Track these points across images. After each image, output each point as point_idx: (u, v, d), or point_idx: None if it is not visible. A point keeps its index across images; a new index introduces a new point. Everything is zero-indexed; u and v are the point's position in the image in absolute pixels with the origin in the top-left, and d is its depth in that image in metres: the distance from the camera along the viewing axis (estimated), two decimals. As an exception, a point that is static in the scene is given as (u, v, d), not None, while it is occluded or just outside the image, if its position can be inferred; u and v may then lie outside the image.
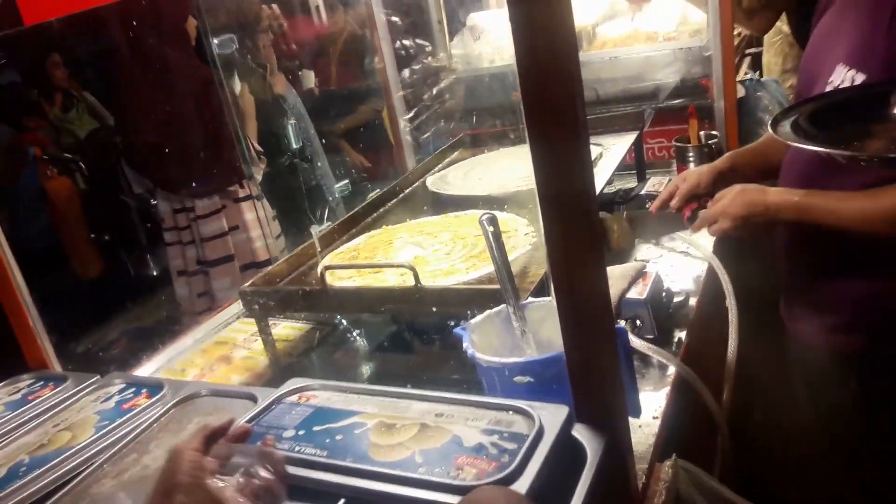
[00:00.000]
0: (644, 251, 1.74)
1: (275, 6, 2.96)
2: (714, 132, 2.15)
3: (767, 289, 1.54)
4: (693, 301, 1.46)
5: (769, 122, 1.14)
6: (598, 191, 1.77)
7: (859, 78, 1.23)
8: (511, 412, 0.91)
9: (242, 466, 0.77)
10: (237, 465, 0.78)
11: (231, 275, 2.82)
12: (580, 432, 0.88)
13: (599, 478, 0.82)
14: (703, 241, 1.66)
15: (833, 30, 1.36)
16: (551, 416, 0.88)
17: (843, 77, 1.26)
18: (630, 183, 2.20)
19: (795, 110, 1.16)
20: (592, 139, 2.23)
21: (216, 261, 2.78)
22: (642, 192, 2.01)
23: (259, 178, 2.86)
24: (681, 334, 1.38)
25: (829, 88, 1.29)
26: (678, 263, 1.65)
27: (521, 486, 0.77)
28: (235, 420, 0.89)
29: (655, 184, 2.01)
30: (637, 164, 2.22)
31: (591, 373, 0.87)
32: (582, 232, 0.82)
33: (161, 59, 2.67)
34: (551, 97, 0.76)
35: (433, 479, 0.79)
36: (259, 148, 2.89)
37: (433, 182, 2.01)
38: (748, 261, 1.58)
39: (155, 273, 3.08)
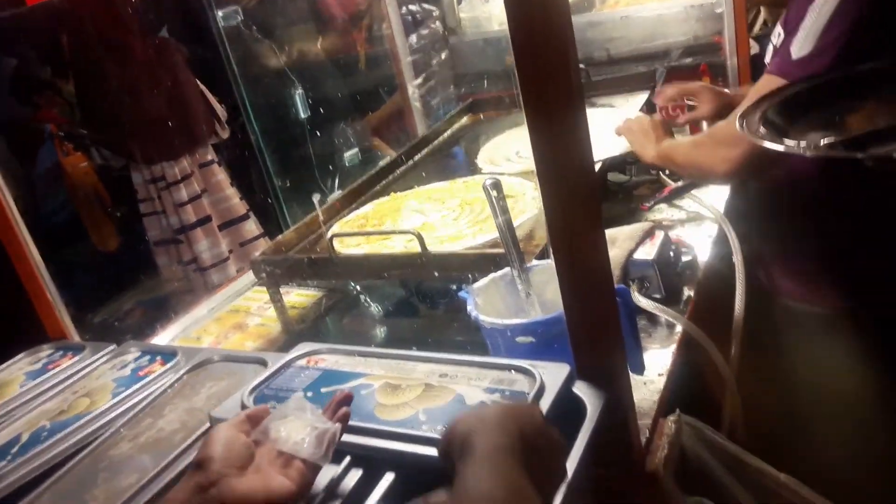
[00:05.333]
0: (654, 212, 1.73)
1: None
2: (727, 90, 2.12)
3: (762, 257, 1.54)
4: (702, 261, 1.46)
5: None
6: (614, 154, 1.76)
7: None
8: (513, 371, 0.92)
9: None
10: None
11: (211, 235, 2.86)
12: (581, 389, 0.89)
13: (599, 432, 0.83)
14: (714, 200, 1.65)
15: None
16: (552, 374, 0.89)
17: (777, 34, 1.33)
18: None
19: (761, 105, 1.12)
20: (604, 100, 2.21)
21: (194, 224, 2.82)
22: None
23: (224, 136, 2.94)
24: (689, 293, 1.38)
25: (769, 47, 1.37)
26: (688, 224, 1.64)
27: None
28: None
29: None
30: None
31: (590, 332, 0.88)
32: (579, 196, 0.82)
33: (109, 33, 2.70)
34: (545, 63, 0.76)
35: (436, 437, 0.81)
36: (224, 114, 2.94)
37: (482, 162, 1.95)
38: (757, 220, 1.57)
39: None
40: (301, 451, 0.76)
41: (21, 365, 1.39)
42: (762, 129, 0.94)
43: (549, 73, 0.76)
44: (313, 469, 0.77)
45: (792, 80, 1.18)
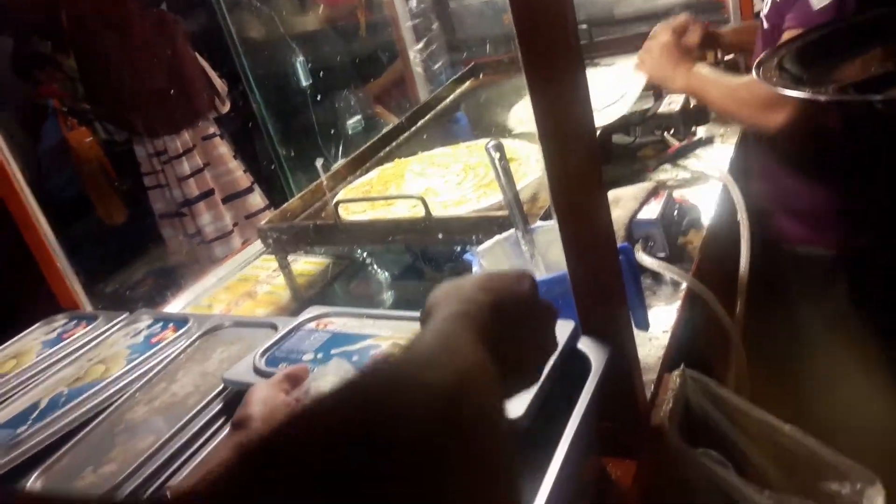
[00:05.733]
0: (659, 172, 1.73)
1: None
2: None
3: (768, 204, 1.55)
4: (706, 219, 1.47)
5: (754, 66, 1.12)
6: (621, 113, 1.76)
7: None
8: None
9: None
10: None
11: (213, 209, 2.88)
12: (586, 345, 0.90)
13: (603, 385, 0.85)
14: (719, 160, 1.65)
15: None
16: (557, 330, 0.90)
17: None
18: (647, 104, 2.17)
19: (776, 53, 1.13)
20: (608, 60, 2.20)
21: (197, 197, 2.83)
22: (658, 110, 1.98)
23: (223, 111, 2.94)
24: (693, 252, 1.39)
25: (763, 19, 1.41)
26: (692, 183, 1.64)
27: (527, 395, 0.80)
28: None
29: (671, 102, 1.98)
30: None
31: (593, 289, 0.90)
32: (580, 156, 0.83)
33: (107, 6, 2.70)
34: (542, 22, 0.76)
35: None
36: (224, 88, 2.93)
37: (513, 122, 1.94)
38: (758, 183, 1.58)
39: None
40: None
41: (37, 335, 1.41)
42: (777, 76, 0.94)
43: (547, 32, 0.76)
44: None
45: None
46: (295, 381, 0.79)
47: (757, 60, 1.07)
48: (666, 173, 1.72)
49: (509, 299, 0.62)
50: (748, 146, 1.64)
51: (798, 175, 1.50)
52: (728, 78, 1.56)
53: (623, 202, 1.39)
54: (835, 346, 1.42)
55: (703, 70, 1.59)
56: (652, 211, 1.37)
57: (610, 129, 1.86)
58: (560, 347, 0.87)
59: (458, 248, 1.32)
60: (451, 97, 2.24)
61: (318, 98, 2.50)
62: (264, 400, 0.75)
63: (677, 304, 1.24)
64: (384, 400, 0.39)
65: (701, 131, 1.83)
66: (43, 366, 1.26)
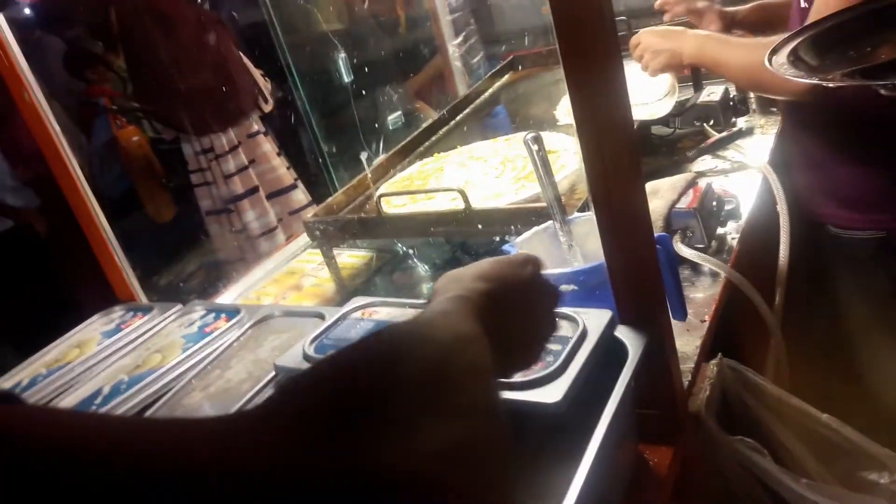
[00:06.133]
0: (698, 163, 1.73)
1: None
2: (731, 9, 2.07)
3: (812, 189, 1.54)
4: (745, 210, 1.47)
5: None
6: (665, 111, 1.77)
7: None
8: (557, 318, 0.96)
9: None
10: None
11: (258, 205, 2.95)
12: (623, 333, 0.93)
13: (640, 373, 0.87)
14: (758, 150, 1.65)
15: None
16: (595, 319, 0.93)
17: None
18: (686, 94, 2.16)
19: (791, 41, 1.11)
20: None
21: (242, 194, 2.91)
22: (698, 101, 1.98)
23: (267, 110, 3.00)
24: (732, 242, 1.39)
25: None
26: (731, 174, 1.64)
27: (565, 381, 0.83)
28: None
29: (711, 93, 1.97)
30: (693, 73, 2.17)
31: (631, 279, 0.92)
32: (618, 147, 0.85)
33: (156, 6, 2.78)
34: (580, 13, 0.78)
35: (484, 379, 0.86)
36: (268, 87, 2.99)
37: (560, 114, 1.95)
38: (801, 170, 1.57)
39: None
40: None
41: (96, 325, 1.49)
42: (786, 63, 0.95)
43: (584, 24, 0.78)
44: None
45: None
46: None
47: (771, 48, 1.06)
48: (705, 164, 1.72)
49: (507, 286, 0.65)
50: (788, 136, 1.63)
51: (843, 157, 1.47)
52: (744, 41, 1.53)
53: (662, 193, 1.40)
54: (880, 332, 1.41)
55: (716, 39, 1.58)
56: (690, 201, 1.38)
57: (649, 121, 1.86)
58: (598, 336, 0.90)
59: (497, 240, 1.34)
60: (490, 91, 2.26)
61: (360, 94, 2.55)
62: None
63: (715, 294, 1.25)
64: (396, 347, 0.47)
65: (741, 122, 1.82)
66: (104, 355, 1.32)
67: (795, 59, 0.94)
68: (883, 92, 0.75)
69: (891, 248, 1.40)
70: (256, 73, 3.03)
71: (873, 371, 1.40)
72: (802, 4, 1.43)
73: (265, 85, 3.04)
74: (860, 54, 0.88)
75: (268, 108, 3.05)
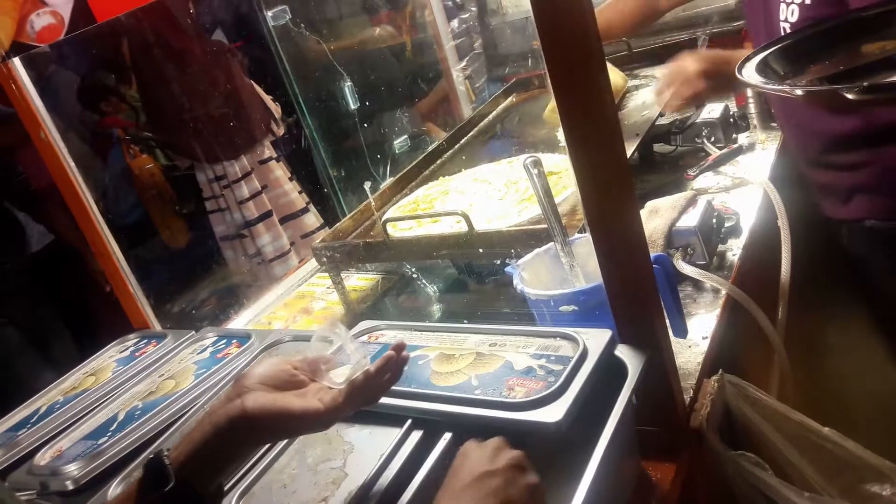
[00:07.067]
0: (700, 180, 1.75)
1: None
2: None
3: (820, 212, 1.55)
4: (746, 226, 1.49)
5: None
6: (651, 122, 1.79)
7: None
8: (558, 338, 0.98)
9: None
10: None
11: (272, 229, 3.01)
12: (623, 352, 0.94)
13: (641, 390, 0.89)
14: (759, 166, 1.67)
15: None
16: (595, 339, 0.95)
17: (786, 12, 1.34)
18: (688, 112, 2.18)
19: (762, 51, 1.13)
20: (648, 70, 2.23)
21: (256, 219, 2.96)
22: (698, 119, 2.00)
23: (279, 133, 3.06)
24: (733, 259, 1.41)
25: (784, 26, 1.37)
26: (732, 190, 1.66)
27: (566, 400, 0.85)
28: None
29: (711, 110, 2.00)
30: (693, 92, 2.20)
31: (629, 298, 0.94)
32: (609, 168, 0.87)
33: (167, 39, 2.84)
34: (565, 36, 0.80)
35: (487, 399, 0.89)
36: (278, 111, 3.05)
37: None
38: (801, 186, 1.58)
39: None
40: (333, 383, 0.81)
41: (112, 353, 1.53)
42: (756, 73, 0.98)
43: (572, 56, 0.81)
44: (348, 398, 0.80)
45: None
46: (313, 364, 0.84)
47: (742, 60, 1.08)
48: (707, 181, 1.74)
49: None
50: (788, 153, 1.65)
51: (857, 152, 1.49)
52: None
53: (662, 212, 1.42)
54: (885, 351, 1.41)
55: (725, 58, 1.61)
56: (691, 219, 1.39)
57: (650, 139, 1.89)
58: (598, 355, 0.92)
59: (501, 262, 1.37)
60: (494, 113, 2.29)
61: (367, 120, 2.60)
62: (266, 365, 0.82)
63: (717, 311, 1.26)
64: None
65: (742, 138, 1.84)
66: (118, 382, 1.36)
67: (765, 67, 0.98)
68: (850, 96, 0.78)
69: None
70: (267, 98, 3.09)
71: (880, 386, 1.40)
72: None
73: (276, 109, 3.10)
74: (830, 63, 0.92)
75: (280, 131, 3.11)
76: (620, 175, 0.88)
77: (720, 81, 1.65)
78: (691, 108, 1.81)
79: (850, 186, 1.50)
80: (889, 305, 1.47)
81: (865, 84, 0.80)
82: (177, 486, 0.70)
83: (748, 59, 1.03)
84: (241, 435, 0.75)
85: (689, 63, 1.67)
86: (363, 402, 0.83)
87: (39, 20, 1.57)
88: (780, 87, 0.94)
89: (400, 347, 0.87)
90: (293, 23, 2.46)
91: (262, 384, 0.78)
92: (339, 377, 0.82)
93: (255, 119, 3.01)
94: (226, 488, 0.92)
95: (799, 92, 0.91)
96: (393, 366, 0.85)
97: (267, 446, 0.95)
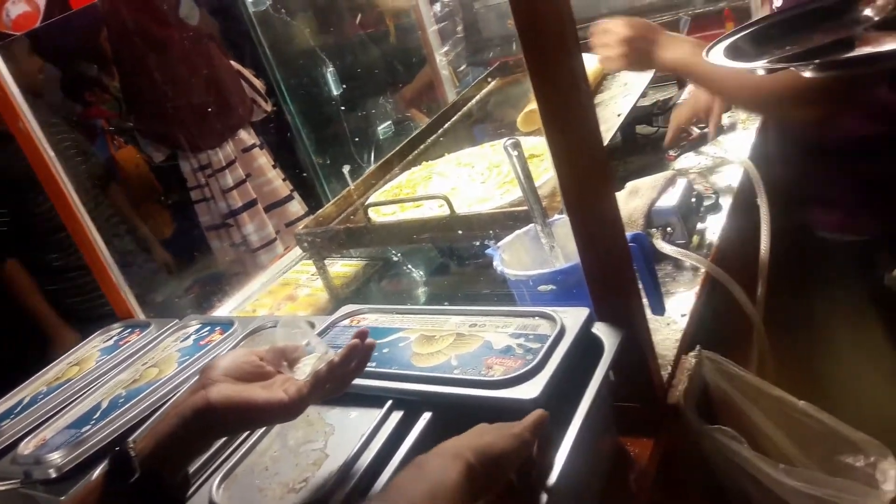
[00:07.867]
0: (681, 160, 1.76)
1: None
2: None
3: (797, 192, 1.56)
4: (725, 205, 1.50)
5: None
6: (632, 104, 1.79)
7: None
8: (536, 317, 0.99)
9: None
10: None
11: (257, 218, 3.00)
12: (600, 330, 0.95)
13: (617, 367, 0.90)
14: (740, 146, 1.68)
15: None
16: (572, 317, 0.96)
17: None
18: (670, 92, 2.19)
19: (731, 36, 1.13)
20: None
21: (241, 208, 2.96)
22: (679, 100, 2.01)
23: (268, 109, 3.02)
24: (713, 237, 1.42)
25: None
26: (713, 170, 1.67)
27: (543, 377, 0.86)
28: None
29: (693, 90, 2.00)
30: (678, 72, 2.20)
31: (605, 277, 0.95)
32: (585, 151, 0.88)
33: (146, 26, 2.81)
34: (540, 21, 0.81)
35: (466, 378, 0.89)
36: (263, 86, 3.02)
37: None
38: (780, 165, 1.60)
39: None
40: (297, 374, 0.82)
41: (95, 343, 1.52)
42: (724, 55, 1.00)
43: (544, 31, 0.81)
44: (313, 389, 0.80)
45: None
46: (279, 355, 0.84)
47: (710, 43, 1.08)
48: (688, 161, 1.75)
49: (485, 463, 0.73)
50: (769, 132, 1.66)
51: (826, 162, 1.50)
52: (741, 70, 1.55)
53: (642, 192, 1.43)
54: (861, 330, 1.43)
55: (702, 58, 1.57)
56: (670, 199, 1.40)
57: (633, 120, 1.89)
58: (575, 333, 0.93)
59: (481, 244, 1.38)
60: (478, 97, 2.29)
61: (350, 106, 2.59)
62: (231, 356, 0.82)
63: (696, 289, 1.27)
64: None
65: (723, 118, 1.85)
66: (102, 371, 1.36)
67: (735, 49, 0.99)
68: (806, 74, 0.79)
69: (874, 252, 1.42)
70: (250, 75, 3.06)
71: (857, 365, 1.42)
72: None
73: (261, 85, 3.07)
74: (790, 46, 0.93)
75: (268, 107, 3.08)
76: (596, 158, 0.89)
77: (641, 54, 1.52)
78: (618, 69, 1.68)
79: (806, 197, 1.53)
80: (864, 285, 1.48)
81: (817, 61, 0.81)
82: (142, 477, 0.71)
83: (718, 41, 1.03)
84: (206, 426, 0.75)
85: (615, 25, 1.56)
86: (329, 392, 0.84)
87: (15, 8, 1.55)
88: (739, 64, 0.95)
89: (363, 335, 0.86)
90: (273, 8, 2.44)
91: (228, 375, 0.78)
92: (305, 367, 0.82)
93: (237, 104, 2.99)
94: (208, 472, 0.94)
95: (761, 72, 0.93)
96: (358, 353, 0.85)
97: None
